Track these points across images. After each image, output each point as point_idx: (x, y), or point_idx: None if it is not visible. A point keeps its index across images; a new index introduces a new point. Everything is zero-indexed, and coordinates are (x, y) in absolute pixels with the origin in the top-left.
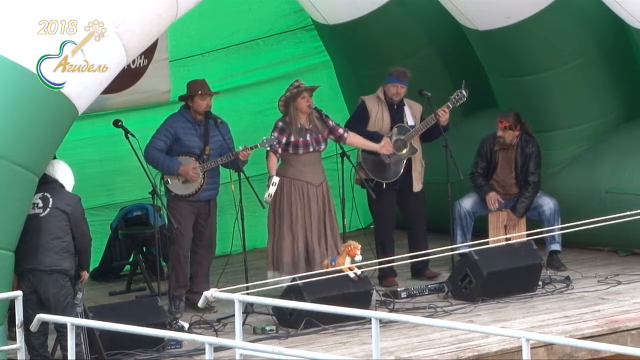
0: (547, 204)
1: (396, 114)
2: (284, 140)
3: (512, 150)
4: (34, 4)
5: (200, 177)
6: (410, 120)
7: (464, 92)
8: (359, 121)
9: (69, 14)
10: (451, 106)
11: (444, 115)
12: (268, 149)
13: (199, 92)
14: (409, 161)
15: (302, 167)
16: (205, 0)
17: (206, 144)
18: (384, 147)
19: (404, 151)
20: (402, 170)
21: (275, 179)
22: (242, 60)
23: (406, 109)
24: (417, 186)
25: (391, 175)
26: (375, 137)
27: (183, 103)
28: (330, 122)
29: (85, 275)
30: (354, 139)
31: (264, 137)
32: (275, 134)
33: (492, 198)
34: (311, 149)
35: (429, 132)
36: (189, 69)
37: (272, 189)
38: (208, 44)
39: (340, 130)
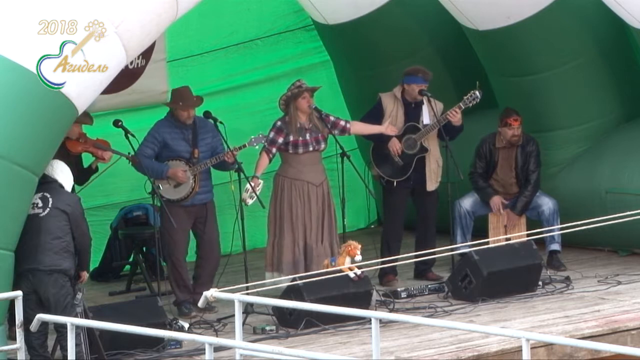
0: (546, 204)
1: (412, 113)
2: (281, 140)
3: (512, 149)
4: (34, 4)
5: (190, 179)
6: (426, 119)
7: (477, 92)
8: (373, 118)
9: (69, 14)
10: (463, 107)
11: (455, 116)
12: (256, 147)
13: (180, 103)
14: (422, 160)
15: (303, 167)
16: (204, 0)
17: (195, 148)
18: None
19: (414, 150)
20: (411, 169)
21: (248, 186)
22: (241, 60)
23: (424, 108)
24: (430, 185)
25: (401, 174)
26: (385, 136)
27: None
28: (331, 118)
29: (85, 275)
30: (357, 127)
31: (252, 136)
32: (272, 133)
33: (497, 203)
34: (311, 148)
35: (446, 131)
36: (187, 69)
37: (252, 193)
38: (207, 44)
39: (342, 122)
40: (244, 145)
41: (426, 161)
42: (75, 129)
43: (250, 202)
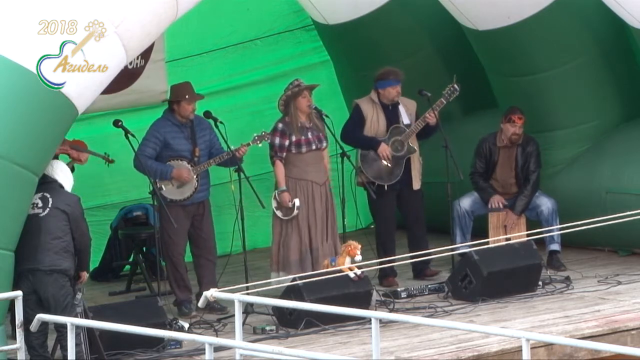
0: (545, 204)
1: (392, 115)
2: (287, 143)
3: (513, 149)
4: (34, 4)
5: (194, 178)
6: (405, 119)
7: (455, 86)
8: (355, 126)
9: (69, 14)
10: (444, 102)
11: (431, 119)
12: (259, 145)
13: (186, 96)
14: (408, 160)
15: (306, 167)
16: (204, 0)
17: (195, 146)
18: (383, 151)
19: (402, 152)
20: (402, 171)
21: (296, 201)
22: (240, 60)
23: (401, 108)
24: (416, 184)
25: (392, 178)
26: (374, 143)
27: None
28: (327, 125)
29: (85, 275)
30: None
31: (255, 134)
32: (277, 139)
33: (496, 199)
34: (314, 147)
35: (424, 131)
36: (187, 69)
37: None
38: (206, 44)
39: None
40: (249, 144)
41: (411, 161)
42: None
43: (295, 212)
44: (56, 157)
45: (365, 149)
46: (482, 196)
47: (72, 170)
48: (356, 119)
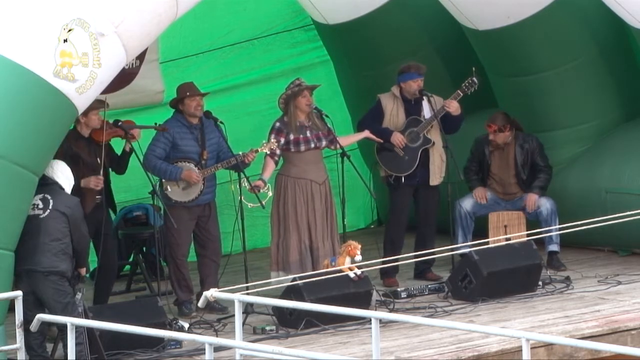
0: (544, 204)
1: (413, 109)
2: (282, 140)
3: (509, 149)
4: (33, 3)
5: (201, 181)
6: (427, 113)
7: (474, 79)
8: (373, 118)
9: (69, 14)
10: (461, 94)
11: (451, 105)
12: (267, 151)
13: (187, 93)
14: (427, 155)
15: (305, 166)
16: (201, 0)
17: (203, 149)
18: (395, 138)
19: (417, 143)
20: (417, 162)
21: (260, 183)
22: (237, 60)
23: (424, 103)
24: (434, 180)
25: (407, 167)
26: (386, 133)
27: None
28: (328, 124)
29: (84, 271)
30: (343, 141)
31: (264, 141)
32: (273, 136)
33: (479, 192)
34: (312, 145)
35: (447, 123)
36: (184, 69)
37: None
38: (203, 44)
39: (334, 134)
40: (257, 150)
41: (430, 156)
42: (93, 117)
43: (250, 205)
44: (109, 145)
45: (379, 143)
46: (469, 187)
47: (132, 151)
48: (375, 112)
